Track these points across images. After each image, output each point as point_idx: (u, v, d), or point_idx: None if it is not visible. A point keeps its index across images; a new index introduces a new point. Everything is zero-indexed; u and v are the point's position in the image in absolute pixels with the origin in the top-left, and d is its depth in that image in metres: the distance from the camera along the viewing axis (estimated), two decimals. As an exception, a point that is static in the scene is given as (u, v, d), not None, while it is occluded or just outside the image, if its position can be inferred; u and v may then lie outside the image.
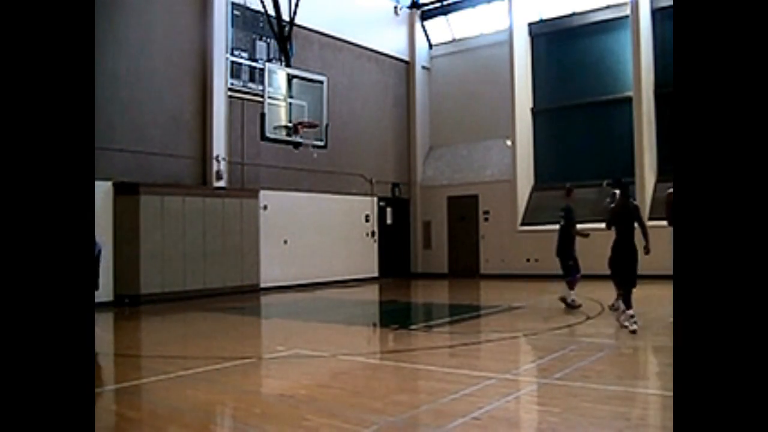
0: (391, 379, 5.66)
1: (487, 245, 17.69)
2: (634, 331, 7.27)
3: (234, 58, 13.99)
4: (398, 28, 19.11)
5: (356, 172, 17.24)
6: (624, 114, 15.82)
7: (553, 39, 17.60)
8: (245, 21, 14.26)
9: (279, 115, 10.97)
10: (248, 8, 14.05)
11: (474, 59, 18.71)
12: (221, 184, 13.59)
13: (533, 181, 17.66)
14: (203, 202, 12.94)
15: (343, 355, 6.64)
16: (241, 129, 14.17)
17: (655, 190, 15.18)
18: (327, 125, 11.66)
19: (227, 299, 12.46)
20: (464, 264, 17.99)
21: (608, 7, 16.57)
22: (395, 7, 18.92)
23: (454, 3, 19.01)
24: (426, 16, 19.59)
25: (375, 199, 17.83)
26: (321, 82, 11.57)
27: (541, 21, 17.75)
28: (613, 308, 9.37)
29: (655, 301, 9.58)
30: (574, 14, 17.22)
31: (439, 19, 19.50)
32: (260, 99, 11.24)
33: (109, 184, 11.76)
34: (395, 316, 10.96)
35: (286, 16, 11.54)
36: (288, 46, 11.56)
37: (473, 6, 18.76)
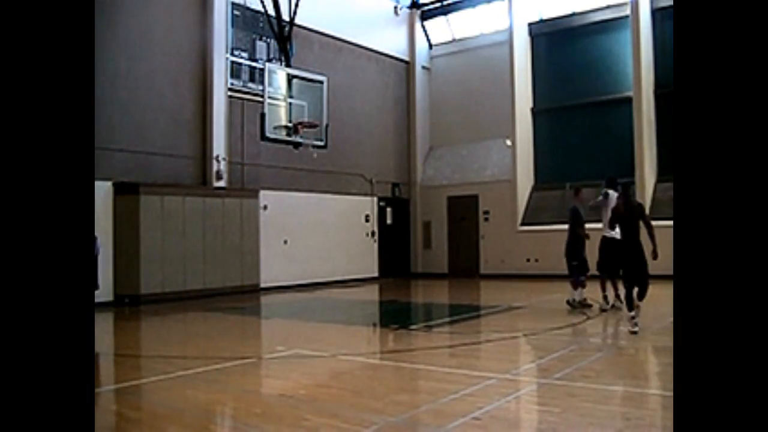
0: (391, 379, 5.66)
1: (487, 245, 17.69)
2: (635, 332, 7.26)
3: (234, 58, 13.99)
4: (398, 28, 19.11)
5: (356, 172, 17.24)
6: (624, 114, 15.82)
7: (553, 39, 17.60)
8: (245, 21, 14.26)
9: (279, 115, 10.97)
10: (248, 8, 14.06)
11: (474, 59, 18.71)
12: (221, 184, 13.59)
13: (533, 181, 17.66)
14: (203, 202, 12.94)
15: (343, 355, 6.64)
16: (241, 129, 14.17)
17: (655, 190, 15.19)
18: (327, 125, 11.66)
19: (227, 299, 12.46)
20: (464, 264, 17.98)
21: (608, 7, 16.57)
22: (395, 7, 18.92)
23: (454, 3, 19.01)
24: (426, 16, 19.59)
25: (375, 199, 17.83)
26: (321, 82, 11.57)
27: (541, 21, 17.75)
28: (612, 307, 9.39)
29: (655, 301, 9.56)
30: (574, 14, 17.21)
31: (439, 19, 19.49)
32: (260, 99, 11.24)
33: (109, 184, 11.76)
34: (395, 316, 10.96)
35: (286, 16, 11.54)
36: (288, 46, 11.56)
37: (473, 6, 18.76)
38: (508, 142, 17.42)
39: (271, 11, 11.55)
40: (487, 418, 4.11)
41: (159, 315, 10.57)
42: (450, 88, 19.17)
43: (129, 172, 12.10)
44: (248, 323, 10.05)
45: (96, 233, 6.77)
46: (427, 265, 18.79)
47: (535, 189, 17.53)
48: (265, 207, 14.39)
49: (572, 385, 4.95)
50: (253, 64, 14.32)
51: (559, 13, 17.47)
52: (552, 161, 17.38)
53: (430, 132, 19.56)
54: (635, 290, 7.41)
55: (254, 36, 14.52)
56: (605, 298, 9.48)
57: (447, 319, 10.13)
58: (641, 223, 7.50)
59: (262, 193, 14.30)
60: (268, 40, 14.29)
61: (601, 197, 9.59)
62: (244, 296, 13.09)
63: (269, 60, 13.88)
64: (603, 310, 9.35)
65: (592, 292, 9.77)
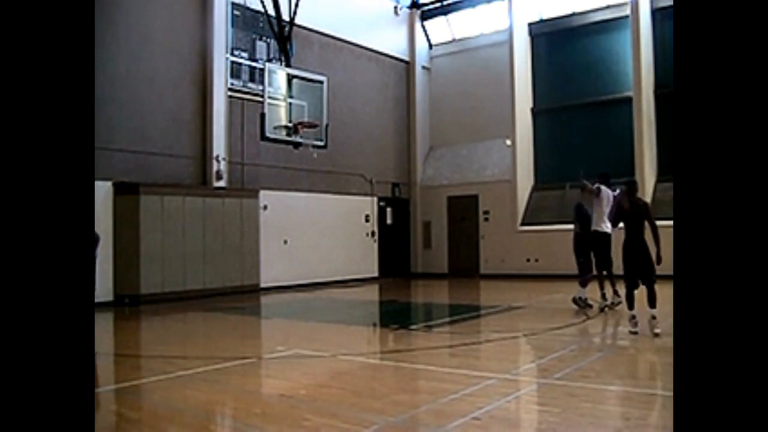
0: (391, 379, 5.66)
1: (487, 245, 17.69)
2: (635, 332, 7.26)
3: (234, 58, 13.99)
4: (398, 28, 19.11)
5: (356, 172, 17.24)
6: (624, 114, 15.82)
7: (553, 39, 17.60)
8: (245, 21, 14.26)
9: (279, 115, 10.98)
10: (248, 8, 14.06)
11: (474, 59, 18.71)
12: (221, 184, 13.59)
13: (533, 181, 17.67)
14: (203, 202, 12.94)
15: (343, 355, 6.64)
16: (241, 129, 14.17)
17: (655, 190, 15.19)
18: (327, 125, 11.66)
19: (227, 299, 12.46)
20: (464, 264, 17.99)
21: (608, 7, 16.57)
22: (395, 7, 18.92)
23: (454, 3, 19.01)
24: (426, 16, 19.59)
25: (375, 199, 17.83)
26: (321, 82, 11.57)
27: (541, 21, 17.75)
28: (611, 305, 9.40)
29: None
30: (574, 14, 17.22)
31: (439, 19, 19.49)
32: (260, 99, 11.25)
33: (109, 184, 11.76)
34: (395, 316, 10.96)
35: (286, 16, 11.55)
36: (288, 46, 11.56)
37: (473, 6, 18.76)
38: (508, 142, 17.42)
39: (271, 11, 11.55)
40: (487, 418, 4.11)
41: (159, 315, 10.57)
42: (450, 88, 19.17)
43: (129, 172, 12.10)
44: (248, 323, 10.05)
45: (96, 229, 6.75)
46: (427, 265, 18.79)
47: (535, 189, 17.54)
48: (265, 207, 14.39)
49: (572, 385, 4.95)
50: (253, 64, 14.33)
51: (559, 13, 17.47)
52: (552, 161, 17.38)
53: (430, 132, 19.56)
54: (644, 295, 7.25)
55: (254, 36, 14.52)
56: (603, 296, 9.49)
57: (447, 319, 10.13)
58: (646, 223, 7.30)
59: (262, 193, 14.30)
60: (268, 40, 14.29)
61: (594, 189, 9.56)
62: (244, 296, 13.09)
63: (269, 60, 13.88)
64: (602, 310, 9.35)
65: (591, 291, 9.77)
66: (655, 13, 15.66)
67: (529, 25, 17.79)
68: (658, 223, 7.30)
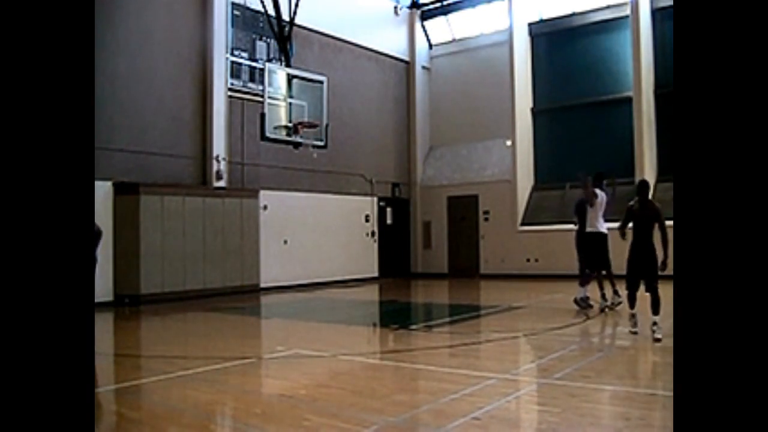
0: (391, 379, 5.66)
1: (487, 245, 17.69)
2: (635, 332, 7.25)
3: (234, 58, 13.99)
4: (398, 28, 19.11)
5: (356, 172, 17.24)
6: (624, 114, 15.83)
7: (553, 39, 17.60)
8: (245, 21, 14.26)
9: (279, 115, 10.98)
10: (248, 8, 14.06)
11: (474, 59, 18.71)
12: (221, 184, 13.59)
13: (533, 181, 17.67)
14: (203, 202, 12.94)
15: (343, 355, 6.64)
16: (241, 129, 14.17)
17: (655, 190, 15.18)
18: (327, 125, 11.66)
19: (227, 299, 12.46)
20: (464, 264, 17.99)
21: (608, 7, 16.57)
22: (395, 7, 18.92)
23: (454, 3, 19.01)
24: (426, 16, 19.59)
25: (375, 199, 17.83)
26: (321, 82, 11.57)
27: (541, 21, 17.75)
28: (611, 306, 9.40)
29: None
30: (574, 14, 17.22)
31: (439, 19, 19.49)
32: (260, 99, 11.25)
33: (109, 184, 11.76)
34: (395, 316, 10.96)
35: (286, 16, 11.54)
36: (288, 46, 11.56)
37: (473, 6, 18.76)
38: (508, 142, 17.43)
39: (271, 11, 11.55)
40: (487, 418, 4.11)
41: (159, 315, 10.57)
42: (450, 88, 19.18)
43: (129, 172, 12.10)
44: (248, 323, 10.05)
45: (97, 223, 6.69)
46: (427, 265, 18.79)
47: (535, 189, 17.54)
48: (265, 207, 14.40)
49: (572, 385, 4.95)
50: (253, 64, 14.32)
51: (559, 13, 17.47)
52: (552, 161, 17.38)
53: (430, 132, 19.56)
54: (647, 299, 7.19)
55: (254, 36, 14.52)
56: (603, 296, 9.50)
57: (447, 319, 10.13)
58: (656, 226, 7.05)
59: (262, 193, 14.30)
60: (268, 40, 14.29)
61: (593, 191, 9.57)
62: (244, 296, 13.09)
63: (269, 60, 13.88)
64: (602, 310, 9.35)
65: (592, 291, 9.77)
66: (655, 13, 15.66)
67: (529, 25, 17.79)
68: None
